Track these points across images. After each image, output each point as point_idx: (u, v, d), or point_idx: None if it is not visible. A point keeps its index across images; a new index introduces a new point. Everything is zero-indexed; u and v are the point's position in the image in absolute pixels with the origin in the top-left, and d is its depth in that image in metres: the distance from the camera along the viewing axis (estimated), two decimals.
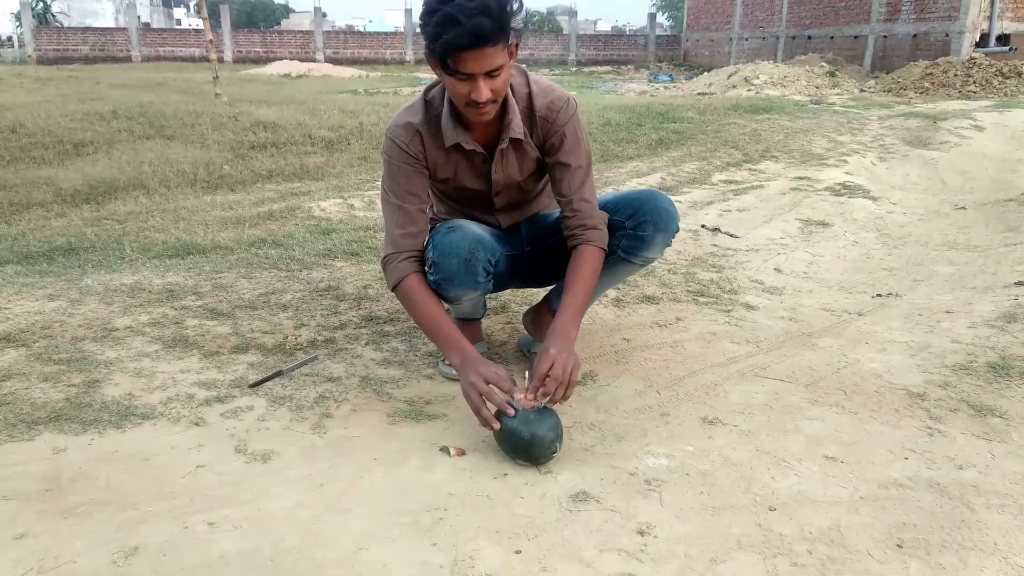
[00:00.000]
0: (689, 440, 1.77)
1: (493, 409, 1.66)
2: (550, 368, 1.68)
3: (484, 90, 1.69)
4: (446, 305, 1.96)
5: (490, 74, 1.68)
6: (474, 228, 1.93)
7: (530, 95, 1.90)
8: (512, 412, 1.64)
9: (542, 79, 1.96)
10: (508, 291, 2.67)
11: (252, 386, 2.00)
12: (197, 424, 1.81)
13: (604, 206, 2.00)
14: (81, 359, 2.11)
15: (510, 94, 1.87)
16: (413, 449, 1.72)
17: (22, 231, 3.87)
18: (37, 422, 1.78)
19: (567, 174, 1.92)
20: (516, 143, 1.92)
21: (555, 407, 1.71)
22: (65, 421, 1.79)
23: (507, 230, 2.13)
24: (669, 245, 2.05)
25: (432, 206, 2.13)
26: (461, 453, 1.70)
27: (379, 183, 4.90)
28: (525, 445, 1.62)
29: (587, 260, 1.88)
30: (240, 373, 2.07)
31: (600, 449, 1.73)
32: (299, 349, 2.24)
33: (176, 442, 1.73)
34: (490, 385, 1.68)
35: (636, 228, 1.97)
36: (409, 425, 1.84)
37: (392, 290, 1.90)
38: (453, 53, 1.63)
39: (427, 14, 1.64)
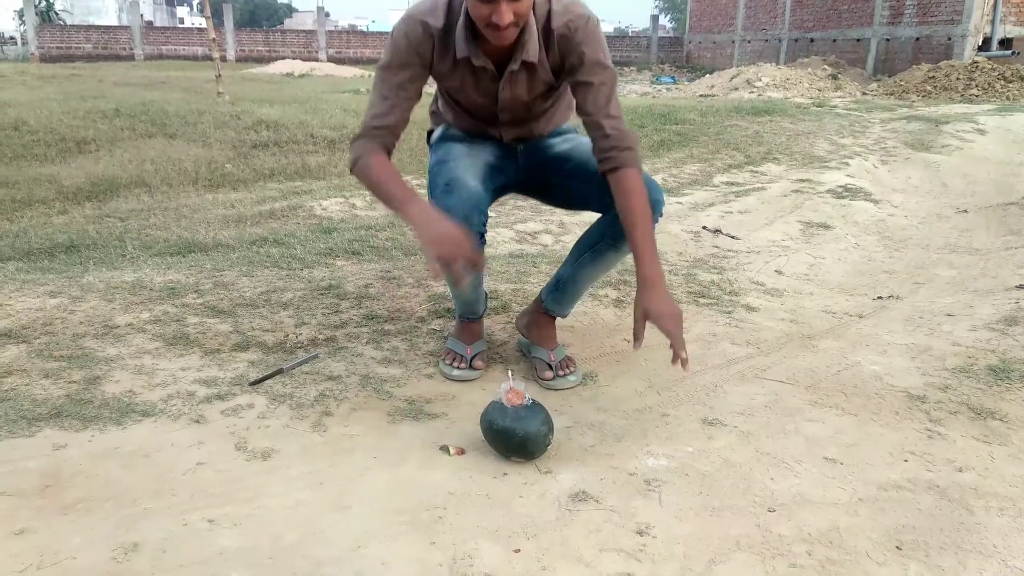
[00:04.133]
0: (689, 441, 1.77)
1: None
2: (672, 327, 1.70)
3: (506, 13, 1.65)
4: (453, 291, 1.98)
5: None
6: (469, 186, 1.87)
7: (549, 13, 1.83)
8: (477, 265, 1.71)
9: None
10: (509, 293, 2.67)
11: (252, 384, 2.00)
12: (197, 421, 1.81)
13: (598, 187, 1.93)
14: (82, 356, 2.11)
15: (531, 13, 1.78)
16: (413, 448, 1.72)
17: (24, 228, 3.87)
18: (37, 418, 1.78)
19: (591, 92, 1.84)
20: (529, 66, 1.86)
21: (547, 405, 1.72)
22: (65, 418, 1.79)
23: (507, 147, 2.07)
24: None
25: (439, 103, 2.11)
26: (461, 452, 1.70)
27: None
28: (520, 442, 1.63)
29: (634, 189, 1.80)
30: (241, 371, 2.07)
31: (600, 449, 1.73)
32: (300, 347, 2.24)
33: (176, 439, 1.73)
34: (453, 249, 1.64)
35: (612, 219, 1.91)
36: (409, 424, 1.84)
37: (353, 170, 1.87)
38: None
39: None
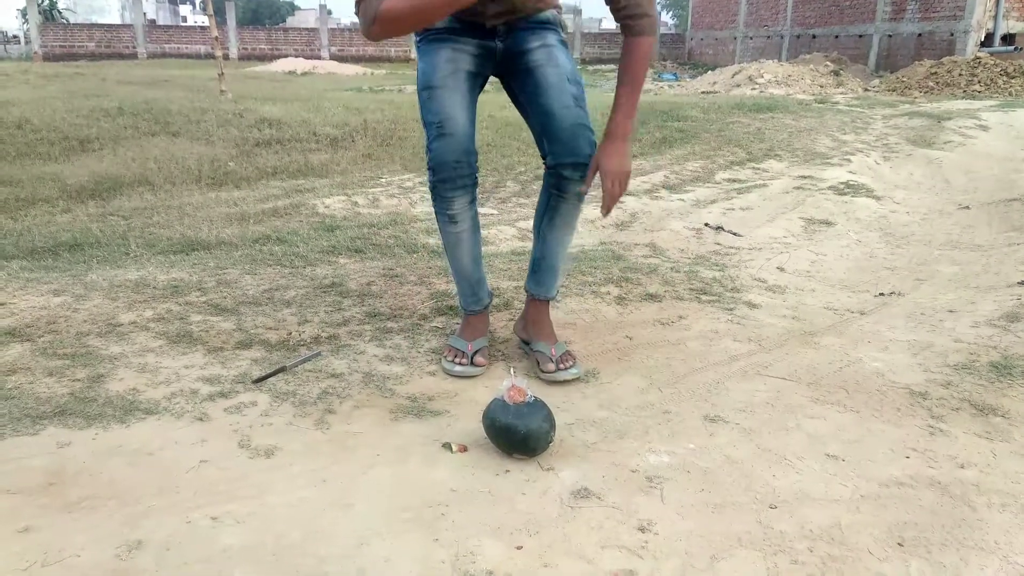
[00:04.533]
0: (691, 438, 1.77)
1: None
2: (610, 185, 1.87)
3: None
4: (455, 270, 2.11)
5: None
6: (459, 126, 1.98)
7: None
8: None
9: None
10: (511, 291, 2.67)
11: (256, 382, 2.00)
12: (201, 419, 1.82)
13: (542, 129, 2.04)
14: (86, 354, 2.12)
15: None
16: (415, 445, 1.73)
17: (27, 227, 3.88)
18: (42, 416, 1.79)
19: None
20: None
21: (549, 402, 1.72)
22: (69, 416, 1.80)
23: (486, 44, 2.04)
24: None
25: None
26: (463, 449, 1.71)
27: (382, 180, 4.90)
28: (522, 439, 1.63)
29: (636, 51, 1.92)
30: (244, 369, 2.08)
31: (602, 446, 1.74)
32: (302, 345, 2.24)
33: (180, 437, 1.74)
34: None
35: (556, 167, 2.02)
36: (411, 421, 1.85)
37: (368, 32, 1.77)
38: None
39: None
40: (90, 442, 1.70)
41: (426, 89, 2.03)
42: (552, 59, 2.05)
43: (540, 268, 2.18)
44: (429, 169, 2.03)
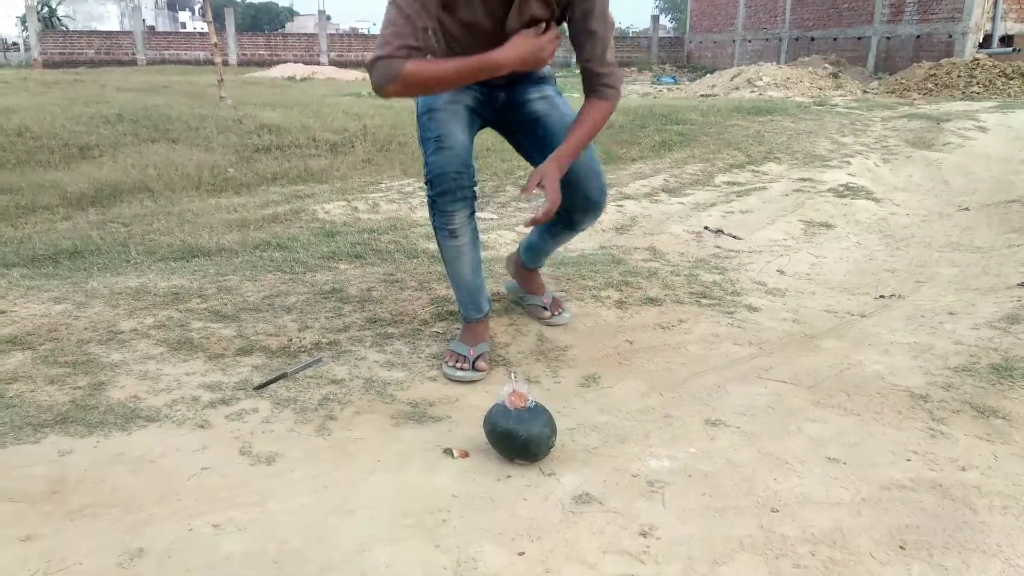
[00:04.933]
0: (692, 442, 1.77)
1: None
2: (548, 210, 1.94)
3: None
4: (454, 280, 2.19)
5: None
6: (458, 140, 2.05)
7: None
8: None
9: None
10: (510, 297, 2.67)
11: (257, 388, 2.01)
12: (202, 426, 1.82)
13: None
14: (87, 362, 2.12)
15: None
16: (416, 451, 1.73)
17: (28, 234, 3.88)
18: (43, 424, 1.79)
19: (594, 41, 2.02)
20: None
21: (550, 407, 1.73)
22: (71, 423, 1.80)
23: (488, 92, 2.17)
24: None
25: (437, 44, 2.10)
26: (464, 455, 1.71)
27: (382, 185, 4.91)
28: (523, 444, 1.63)
29: (593, 110, 2.07)
30: (245, 375, 2.08)
31: (603, 451, 1.74)
32: (303, 351, 2.25)
33: (181, 444, 1.74)
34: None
35: (568, 211, 2.18)
36: (412, 427, 1.85)
37: (386, 88, 1.83)
38: None
39: None
40: (92, 450, 1.70)
41: (427, 112, 2.11)
42: (555, 108, 2.22)
43: (534, 250, 2.48)
44: (427, 183, 2.07)
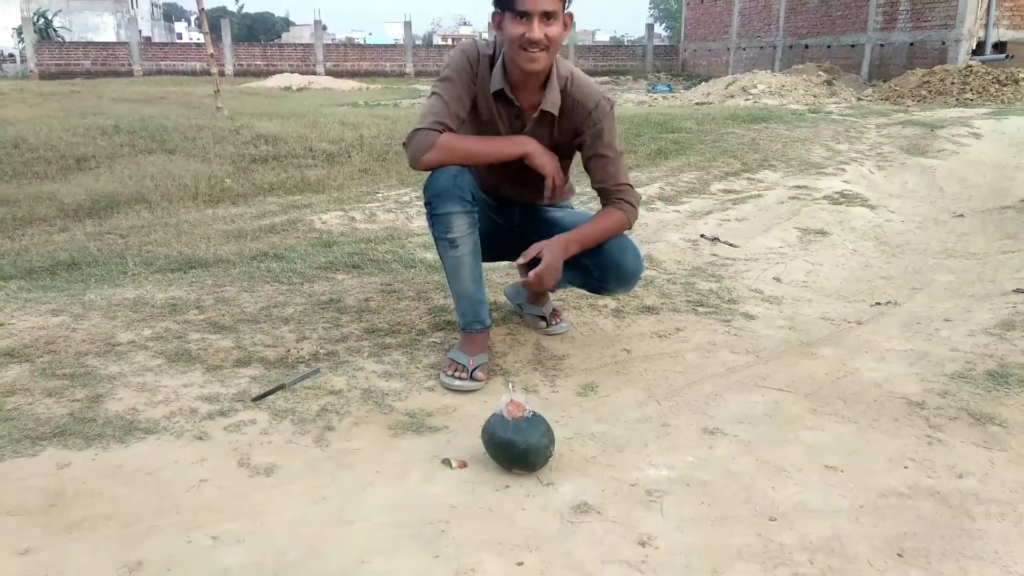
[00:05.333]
0: (690, 450, 1.78)
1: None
2: (540, 272, 2.01)
3: (538, 30, 1.94)
4: (454, 289, 2.18)
5: (545, 16, 1.94)
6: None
7: (572, 78, 2.13)
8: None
9: (586, 78, 2.19)
10: (509, 305, 2.68)
11: (255, 400, 2.01)
12: (200, 438, 1.82)
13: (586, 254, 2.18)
14: (85, 374, 2.12)
15: (555, 71, 2.09)
16: (415, 461, 1.73)
17: (25, 246, 3.89)
18: (41, 437, 1.79)
19: (606, 164, 2.15)
20: (549, 118, 2.13)
21: (548, 416, 1.73)
22: (69, 436, 1.80)
23: (503, 205, 2.33)
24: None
25: None
26: (463, 465, 1.71)
27: (379, 195, 4.92)
28: (521, 454, 1.64)
29: (607, 217, 2.15)
30: (243, 387, 2.08)
31: (601, 460, 1.74)
32: (301, 362, 2.25)
33: (179, 456, 1.74)
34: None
35: (600, 280, 2.20)
36: (411, 437, 1.85)
37: (422, 157, 2.05)
38: None
39: None
40: (90, 462, 1.70)
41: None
42: (571, 212, 2.38)
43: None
44: (425, 189, 2.09)
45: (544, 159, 2.12)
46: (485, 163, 2.16)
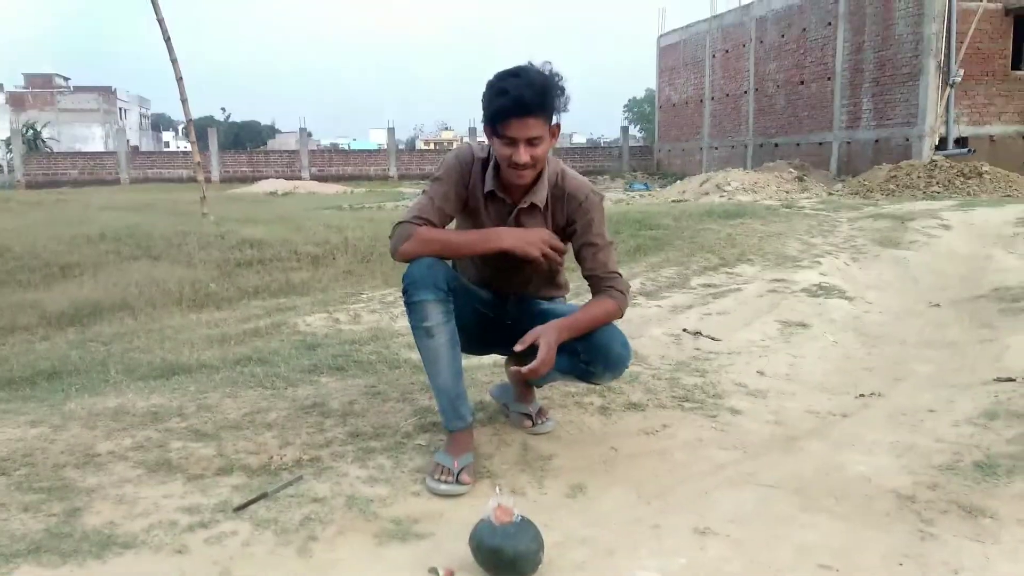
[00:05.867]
0: (681, 552, 1.75)
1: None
2: (538, 364, 2.01)
3: (524, 154, 2.03)
4: (434, 384, 2.19)
5: (530, 141, 2.02)
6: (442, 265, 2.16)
7: (562, 174, 2.23)
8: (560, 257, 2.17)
9: (577, 174, 2.28)
10: (495, 405, 2.67)
11: (236, 510, 1.96)
12: (180, 552, 1.77)
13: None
14: (62, 487, 2.07)
15: (546, 169, 2.17)
16: (401, 571, 1.69)
17: (5, 356, 3.86)
18: (15, 555, 1.73)
19: (596, 252, 2.21)
20: (535, 209, 2.20)
21: (536, 519, 1.70)
22: (44, 553, 1.74)
23: (496, 296, 2.36)
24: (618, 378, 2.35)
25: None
26: (450, 574, 1.67)
27: (364, 295, 4.95)
28: (510, 561, 1.60)
29: (598, 305, 2.18)
30: (224, 496, 2.04)
31: (591, 564, 1.70)
32: (284, 469, 2.21)
33: (158, 572, 1.68)
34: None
35: (588, 364, 2.18)
36: (396, 546, 1.81)
37: (400, 247, 2.12)
38: (500, 119, 2.00)
39: (487, 88, 2.03)
40: None
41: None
42: (564, 305, 2.42)
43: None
44: (403, 278, 2.15)
45: (525, 247, 2.13)
46: (460, 255, 2.22)
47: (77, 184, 28.52)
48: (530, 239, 2.13)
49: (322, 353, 3.43)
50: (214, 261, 6.44)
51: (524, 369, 2.05)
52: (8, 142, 35.24)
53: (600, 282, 2.21)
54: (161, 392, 2.89)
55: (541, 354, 2.03)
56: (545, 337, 2.05)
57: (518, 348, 2.09)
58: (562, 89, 2.05)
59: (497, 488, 1.90)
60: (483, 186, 2.20)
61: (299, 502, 2.00)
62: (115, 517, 1.92)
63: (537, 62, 2.09)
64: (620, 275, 2.23)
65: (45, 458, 2.25)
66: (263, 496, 2.02)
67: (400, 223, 2.14)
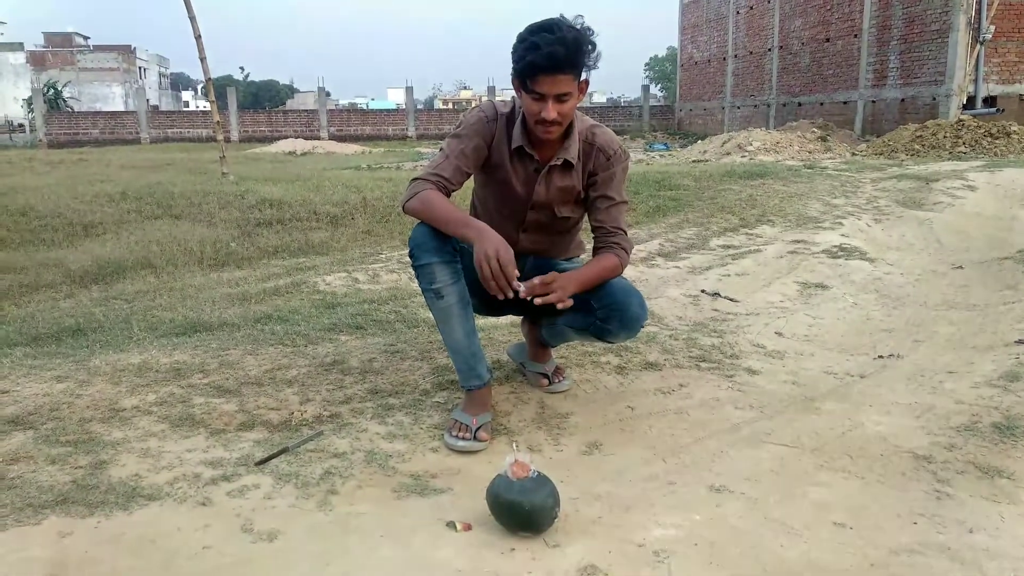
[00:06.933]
0: (697, 509, 1.76)
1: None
2: (549, 284, 1.96)
3: (552, 110, 2.00)
4: (450, 345, 2.19)
5: (559, 98, 1.99)
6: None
7: (593, 128, 2.22)
8: (513, 293, 1.91)
9: (608, 130, 2.27)
10: (512, 363, 2.69)
11: (258, 464, 2.00)
12: (203, 504, 1.81)
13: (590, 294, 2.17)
14: (88, 440, 2.12)
15: (575, 124, 2.15)
16: (419, 524, 1.72)
17: (31, 313, 3.92)
18: (44, 505, 1.78)
19: (609, 206, 2.20)
20: (567, 167, 2.19)
21: (553, 476, 1.72)
22: (72, 504, 1.79)
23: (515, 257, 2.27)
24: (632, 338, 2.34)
25: (475, 199, 2.40)
26: (468, 528, 1.70)
27: (382, 255, 4.97)
28: (527, 516, 1.62)
29: (601, 260, 2.15)
30: (246, 451, 2.08)
31: (607, 520, 1.72)
32: (305, 425, 2.24)
33: (182, 523, 1.73)
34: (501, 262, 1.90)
35: (604, 321, 2.17)
36: (415, 500, 1.84)
37: (406, 203, 2.11)
38: (531, 74, 1.96)
39: (518, 42, 1.98)
40: (92, 531, 1.69)
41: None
42: (583, 264, 2.32)
43: (554, 333, 2.44)
44: (409, 241, 2.15)
45: (495, 240, 1.95)
46: (444, 230, 2.06)
47: (98, 143, 28.65)
48: (499, 246, 1.94)
49: (341, 312, 3.46)
50: (234, 220, 6.47)
51: (537, 280, 1.95)
52: (30, 101, 35.41)
53: (606, 236, 2.19)
54: (183, 349, 2.93)
55: (559, 288, 1.96)
56: (561, 278, 2.01)
57: (528, 285, 1.95)
58: (593, 45, 2.00)
59: (514, 444, 1.92)
60: (509, 142, 2.18)
61: (319, 457, 2.04)
62: (140, 470, 1.96)
63: (569, 15, 2.05)
64: (625, 232, 2.23)
65: (71, 412, 2.30)
66: (284, 451, 2.06)
67: (415, 179, 2.14)
